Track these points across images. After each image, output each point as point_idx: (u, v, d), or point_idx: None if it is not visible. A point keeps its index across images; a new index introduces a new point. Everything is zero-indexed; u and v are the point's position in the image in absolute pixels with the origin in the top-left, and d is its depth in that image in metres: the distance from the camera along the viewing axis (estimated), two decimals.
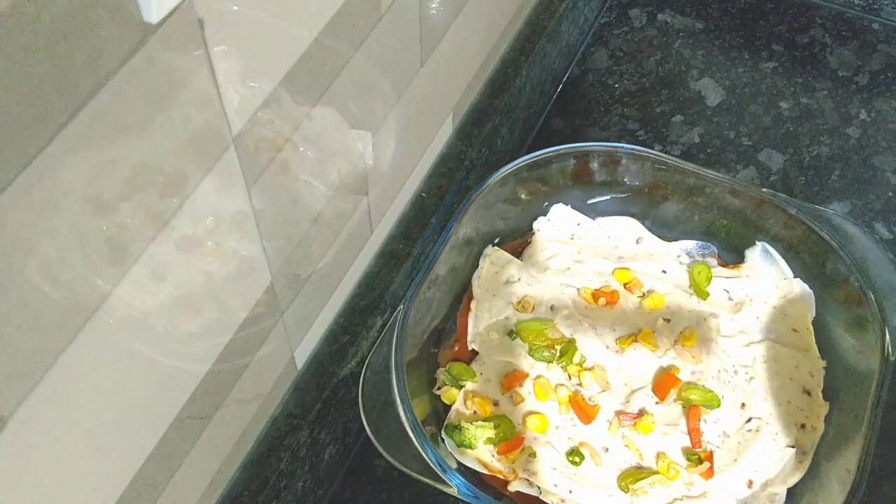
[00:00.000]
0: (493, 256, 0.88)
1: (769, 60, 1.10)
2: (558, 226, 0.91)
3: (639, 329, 0.85)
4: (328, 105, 0.60)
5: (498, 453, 0.77)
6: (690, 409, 0.80)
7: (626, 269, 0.88)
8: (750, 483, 0.76)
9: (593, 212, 0.92)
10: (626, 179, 0.90)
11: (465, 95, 0.87)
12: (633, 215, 0.92)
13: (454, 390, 0.80)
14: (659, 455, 0.78)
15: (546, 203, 0.91)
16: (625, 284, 0.88)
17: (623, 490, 0.76)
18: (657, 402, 0.81)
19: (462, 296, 0.87)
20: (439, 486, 0.69)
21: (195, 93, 0.46)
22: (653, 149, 0.96)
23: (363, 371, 0.73)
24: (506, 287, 0.87)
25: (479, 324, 0.85)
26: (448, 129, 0.86)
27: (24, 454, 0.43)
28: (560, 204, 0.91)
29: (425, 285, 0.78)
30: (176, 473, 0.58)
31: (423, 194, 0.84)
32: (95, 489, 0.50)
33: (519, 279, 0.87)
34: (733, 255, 0.90)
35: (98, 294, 0.44)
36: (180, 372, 0.55)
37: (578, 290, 0.87)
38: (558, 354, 0.82)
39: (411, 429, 0.70)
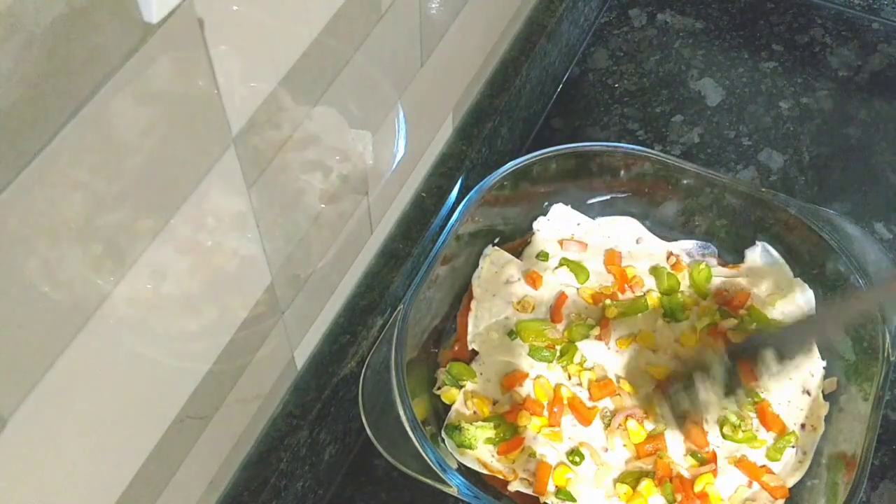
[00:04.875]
0: (493, 256, 0.88)
1: (769, 60, 1.10)
2: (558, 226, 0.91)
3: (639, 329, 0.84)
4: (328, 105, 0.60)
5: (498, 453, 0.77)
6: None
7: (626, 268, 0.88)
8: (750, 483, 0.76)
9: (593, 212, 0.92)
10: (626, 179, 0.90)
11: (465, 95, 0.87)
12: (633, 215, 0.92)
13: (454, 390, 0.80)
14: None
15: (546, 203, 0.91)
16: (625, 284, 0.88)
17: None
18: None
19: (462, 296, 0.87)
20: (439, 486, 0.69)
21: (195, 93, 0.46)
22: (653, 149, 0.96)
23: (363, 371, 0.73)
24: (506, 287, 0.87)
25: (479, 324, 0.85)
26: (448, 128, 0.86)
27: (24, 454, 0.43)
28: (560, 204, 0.91)
29: (425, 285, 0.78)
30: (176, 473, 0.58)
31: (423, 194, 0.84)
32: (95, 489, 0.50)
33: (519, 279, 0.87)
34: (733, 255, 0.90)
35: (98, 294, 0.44)
36: (180, 372, 0.55)
37: (578, 289, 0.87)
38: (558, 354, 0.82)
39: (411, 429, 0.70)
